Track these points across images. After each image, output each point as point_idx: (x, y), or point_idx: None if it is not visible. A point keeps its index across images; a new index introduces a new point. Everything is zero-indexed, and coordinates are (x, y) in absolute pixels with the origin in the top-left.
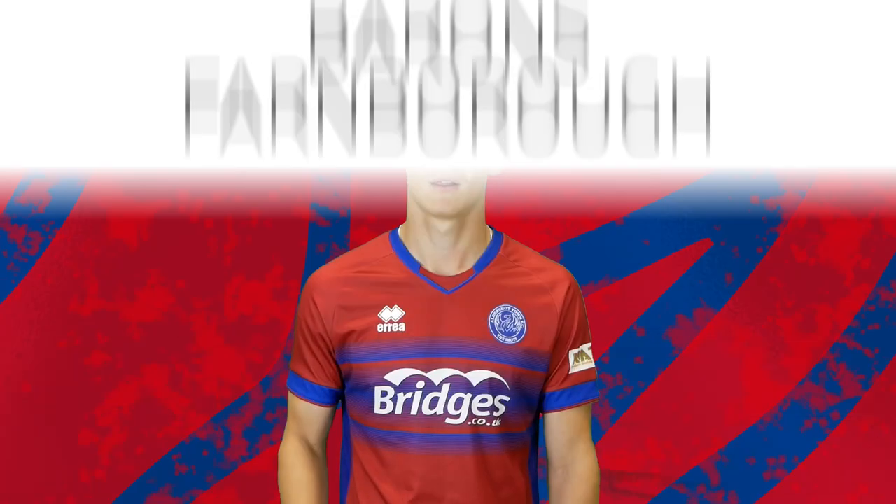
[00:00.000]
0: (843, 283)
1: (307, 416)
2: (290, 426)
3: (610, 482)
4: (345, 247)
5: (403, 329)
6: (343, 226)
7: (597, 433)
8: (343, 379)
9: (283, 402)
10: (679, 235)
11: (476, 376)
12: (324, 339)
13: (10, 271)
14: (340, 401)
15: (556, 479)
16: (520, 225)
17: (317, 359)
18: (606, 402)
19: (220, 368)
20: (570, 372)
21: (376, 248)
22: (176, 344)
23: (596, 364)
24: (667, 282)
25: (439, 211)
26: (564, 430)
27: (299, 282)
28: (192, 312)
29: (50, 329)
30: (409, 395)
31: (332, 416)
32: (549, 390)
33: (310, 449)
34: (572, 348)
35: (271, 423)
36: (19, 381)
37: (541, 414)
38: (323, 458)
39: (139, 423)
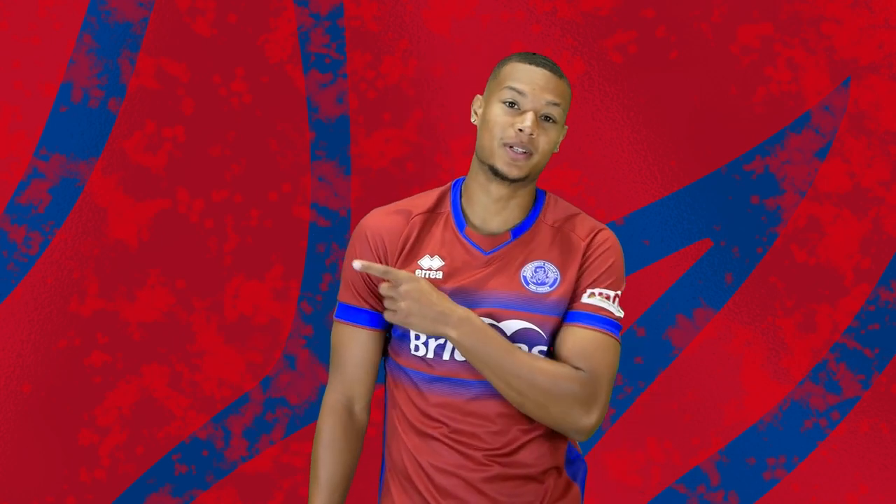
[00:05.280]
0: (843, 283)
1: (358, 347)
2: (334, 375)
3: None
4: (344, 247)
5: (441, 277)
6: (343, 226)
7: (597, 433)
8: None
9: (283, 402)
10: (679, 235)
11: (509, 326)
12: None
13: (10, 271)
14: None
15: None
16: None
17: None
18: None
19: (220, 368)
20: (582, 301)
21: (438, 197)
22: (176, 344)
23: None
24: (667, 282)
25: (506, 172)
26: (570, 344)
27: (299, 282)
28: (192, 312)
29: (50, 329)
30: (441, 340)
31: (380, 353)
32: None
33: (347, 408)
34: (590, 287)
35: (271, 423)
36: (19, 381)
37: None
38: (363, 409)
39: (139, 423)
